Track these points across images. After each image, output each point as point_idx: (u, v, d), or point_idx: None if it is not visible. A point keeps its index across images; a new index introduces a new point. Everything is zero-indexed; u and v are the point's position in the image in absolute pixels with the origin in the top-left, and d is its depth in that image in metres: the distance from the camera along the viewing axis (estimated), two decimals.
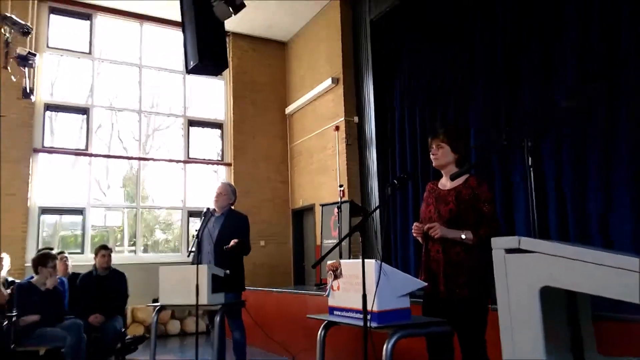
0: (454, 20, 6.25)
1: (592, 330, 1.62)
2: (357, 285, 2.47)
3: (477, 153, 5.49)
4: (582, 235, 4.37)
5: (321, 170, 8.79)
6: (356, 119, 8.18)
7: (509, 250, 1.34)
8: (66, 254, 5.63)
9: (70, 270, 5.57)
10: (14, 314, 4.36)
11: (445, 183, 2.88)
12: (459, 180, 2.78)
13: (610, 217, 4.25)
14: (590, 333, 1.61)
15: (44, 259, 4.44)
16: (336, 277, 2.74)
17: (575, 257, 1.23)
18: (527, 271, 1.29)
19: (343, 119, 8.16)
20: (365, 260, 2.39)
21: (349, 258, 5.97)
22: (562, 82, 4.78)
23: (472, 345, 2.60)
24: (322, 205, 7.69)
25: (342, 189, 6.94)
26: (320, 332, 2.83)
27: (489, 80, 5.65)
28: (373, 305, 2.37)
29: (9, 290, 4.89)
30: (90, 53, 8.84)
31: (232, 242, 4.25)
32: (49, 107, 8.35)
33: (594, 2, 4.53)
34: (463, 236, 2.63)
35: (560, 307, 1.54)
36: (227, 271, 4.27)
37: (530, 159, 1.91)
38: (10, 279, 5.54)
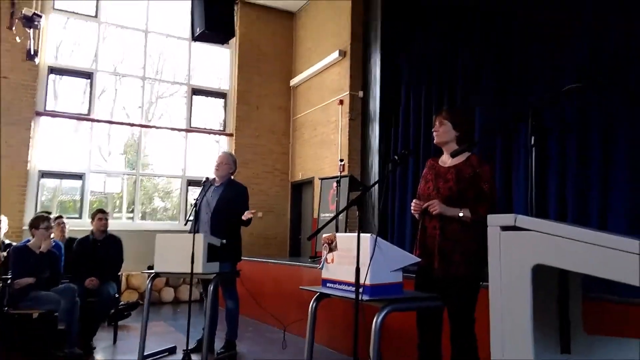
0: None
1: (580, 310, 1.61)
2: (351, 258, 2.46)
3: (481, 132, 5.45)
4: (581, 217, 4.36)
5: (323, 144, 8.75)
6: (361, 93, 8.09)
7: (505, 228, 1.32)
8: (64, 219, 5.64)
9: (67, 235, 5.59)
10: (9, 276, 4.40)
11: (445, 160, 2.86)
12: (460, 158, 2.76)
13: (609, 201, 4.24)
14: (578, 313, 1.60)
15: (36, 222, 4.44)
16: (331, 250, 2.73)
17: (570, 236, 1.20)
18: (521, 249, 1.27)
19: (348, 93, 8.07)
20: (361, 234, 2.38)
21: (345, 232, 5.98)
22: (571, 64, 4.70)
23: (462, 322, 2.62)
24: (322, 179, 7.67)
25: (342, 163, 6.90)
26: (312, 303, 2.84)
27: (497, 62, 5.56)
28: (366, 279, 2.37)
29: (4, 253, 4.92)
30: (96, 17, 8.70)
31: (247, 214, 4.27)
32: (53, 70, 8.27)
33: None
34: (461, 214, 2.63)
35: (551, 286, 1.52)
36: (224, 240, 4.29)
37: (533, 137, 1.87)
38: (7, 241, 5.57)
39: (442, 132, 2.81)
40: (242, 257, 4.58)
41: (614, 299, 2.56)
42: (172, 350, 4.47)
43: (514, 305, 1.26)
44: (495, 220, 1.35)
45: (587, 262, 1.18)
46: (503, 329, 1.27)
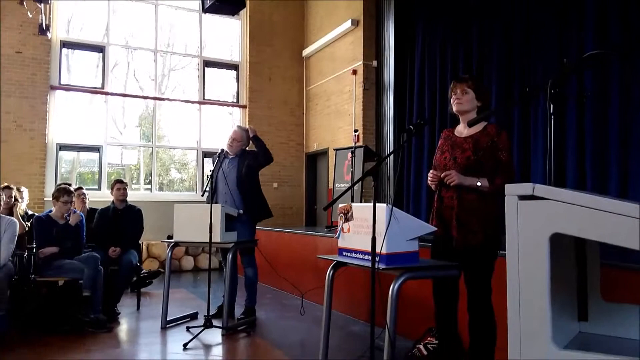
0: None
1: (598, 277, 1.63)
2: (367, 228, 2.49)
3: (497, 101, 5.39)
4: (600, 185, 4.34)
5: (337, 115, 8.71)
6: (375, 63, 8.00)
7: (523, 197, 1.33)
8: (84, 190, 5.76)
9: (87, 206, 5.72)
10: (34, 245, 4.54)
11: (462, 130, 2.82)
12: (477, 128, 2.73)
13: (629, 171, 4.20)
14: (596, 280, 1.62)
15: (57, 194, 4.55)
16: (347, 220, 2.76)
17: (588, 205, 1.21)
18: (538, 218, 1.28)
19: (361, 62, 7.98)
20: (376, 204, 2.40)
21: (361, 202, 6.02)
22: (587, 33, 4.60)
23: (479, 290, 2.64)
24: (336, 150, 7.67)
25: (357, 134, 6.89)
26: (329, 272, 2.90)
27: (514, 30, 5.44)
28: (382, 248, 2.41)
29: (28, 223, 5.06)
30: None
31: (251, 130, 4.61)
32: (65, 44, 8.29)
33: None
34: (479, 183, 2.61)
35: (569, 254, 1.54)
36: (241, 211, 4.38)
37: (552, 106, 1.85)
38: (30, 212, 5.72)
39: (465, 100, 2.74)
40: (259, 227, 4.67)
41: (632, 266, 2.56)
42: (193, 316, 4.62)
43: (531, 274, 1.28)
44: (513, 190, 1.35)
45: (605, 231, 1.20)
46: (520, 297, 1.29)
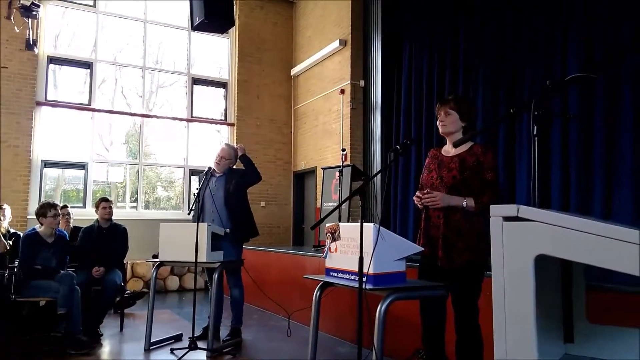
0: None
1: (583, 299, 1.63)
2: (355, 247, 2.49)
3: (484, 121, 5.45)
4: (584, 208, 4.37)
5: (324, 134, 8.75)
6: (362, 82, 8.08)
7: (507, 218, 1.33)
8: (69, 209, 5.68)
9: (72, 225, 5.63)
10: (15, 265, 4.45)
11: (448, 150, 2.85)
12: (463, 147, 2.75)
13: (612, 192, 4.25)
14: (581, 302, 1.62)
15: (44, 210, 4.48)
16: (334, 239, 2.75)
17: (573, 227, 1.22)
18: (523, 239, 1.29)
19: (349, 82, 8.06)
20: (364, 223, 2.39)
21: (348, 222, 6.01)
22: (571, 55, 4.70)
23: (466, 311, 2.63)
24: (324, 169, 7.68)
25: (344, 153, 6.90)
26: (316, 292, 2.87)
27: (499, 50, 5.54)
28: (369, 268, 2.40)
29: (10, 242, 4.96)
30: (94, 6, 8.67)
31: (239, 149, 4.66)
32: (53, 59, 8.25)
33: None
34: (464, 203, 2.62)
35: (554, 275, 1.54)
36: (228, 230, 4.34)
37: (535, 127, 1.88)
38: (12, 230, 5.61)
39: (449, 122, 2.78)
40: (246, 246, 4.63)
41: (617, 287, 2.58)
42: (178, 338, 4.53)
43: (516, 296, 1.28)
44: (497, 211, 1.36)
45: (589, 252, 1.20)
46: (506, 319, 1.29)
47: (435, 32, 6.56)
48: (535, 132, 1.85)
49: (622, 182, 4.18)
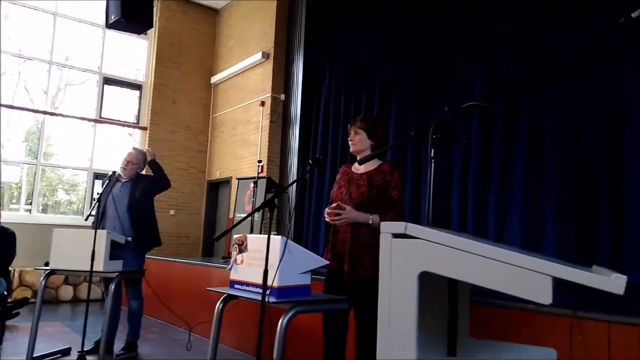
0: (390, 12, 6.32)
1: (468, 314, 1.73)
2: (261, 260, 2.45)
3: (394, 141, 5.69)
4: (480, 228, 4.68)
5: (242, 144, 8.66)
6: (283, 96, 8.13)
7: (396, 235, 1.39)
8: None
9: None
10: None
11: (358, 167, 2.93)
12: (372, 165, 2.85)
13: (505, 216, 4.59)
14: (465, 317, 1.72)
15: None
16: (241, 251, 2.70)
17: (455, 246, 1.29)
18: (409, 256, 1.35)
19: (270, 95, 8.06)
20: (272, 236, 2.38)
21: (261, 234, 5.96)
22: (476, 86, 5.07)
23: (368, 325, 2.68)
24: (239, 179, 7.59)
25: (261, 164, 6.89)
26: (218, 305, 2.79)
27: (413, 80, 5.83)
28: (274, 281, 2.38)
29: None
30: None
31: (148, 154, 4.45)
32: None
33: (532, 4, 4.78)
34: (370, 220, 2.69)
35: (441, 291, 1.63)
36: (129, 238, 4.12)
37: (433, 150, 1.98)
38: None
39: (358, 141, 2.88)
40: (149, 256, 4.43)
41: (498, 302, 2.76)
42: (65, 352, 4.20)
43: (400, 310, 1.33)
44: (387, 228, 1.41)
45: (469, 271, 1.28)
46: (389, 331, 1.33)
47: (356, 52, 6.77)
48: (432, 155, 1.96)
49: (513, 207, 4.53)
